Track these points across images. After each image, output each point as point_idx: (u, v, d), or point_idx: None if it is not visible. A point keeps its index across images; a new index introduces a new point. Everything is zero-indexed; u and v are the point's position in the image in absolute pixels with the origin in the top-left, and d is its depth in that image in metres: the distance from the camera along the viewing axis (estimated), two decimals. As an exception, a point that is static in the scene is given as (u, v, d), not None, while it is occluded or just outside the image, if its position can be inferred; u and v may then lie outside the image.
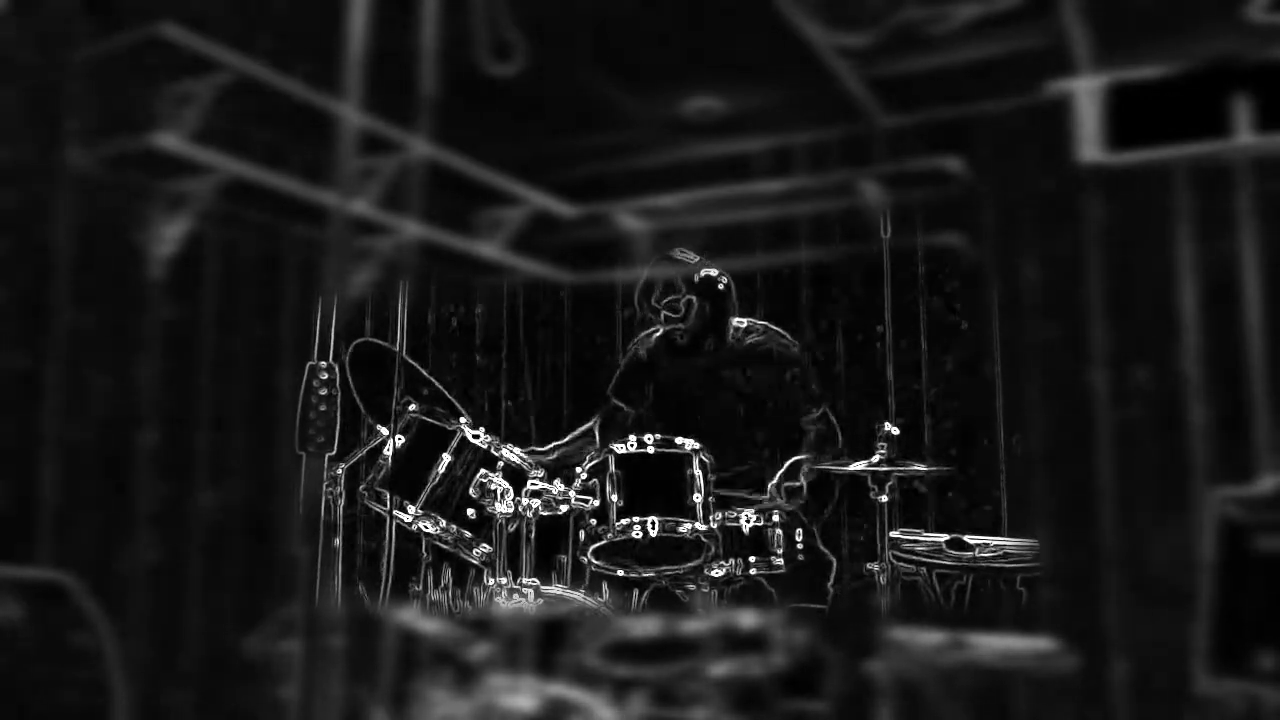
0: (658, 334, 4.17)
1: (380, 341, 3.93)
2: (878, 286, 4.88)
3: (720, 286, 3.97)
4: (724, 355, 4.03)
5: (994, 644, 2.48)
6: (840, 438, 4.04)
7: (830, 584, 3.85)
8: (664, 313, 3.92)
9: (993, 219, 3.61)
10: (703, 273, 3.93)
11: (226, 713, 3.02)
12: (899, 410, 4.75)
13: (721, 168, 4.59)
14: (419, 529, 3.38)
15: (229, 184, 3.38)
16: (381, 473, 3.40)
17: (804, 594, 3.68)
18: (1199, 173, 2.99)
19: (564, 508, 3.29)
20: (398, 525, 3.39)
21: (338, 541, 3.39)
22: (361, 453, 3.53)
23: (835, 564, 3.89)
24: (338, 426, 3.46)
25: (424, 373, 3.94)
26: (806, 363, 4.12)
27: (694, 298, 3.90)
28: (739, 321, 4.07)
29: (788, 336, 4.14)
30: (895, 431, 3.56)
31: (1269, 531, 2.44)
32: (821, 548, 3.90)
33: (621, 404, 4.18)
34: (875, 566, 3.56)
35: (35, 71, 3.01)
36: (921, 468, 3.76)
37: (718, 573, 3.44)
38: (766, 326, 4.14)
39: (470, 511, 3.35)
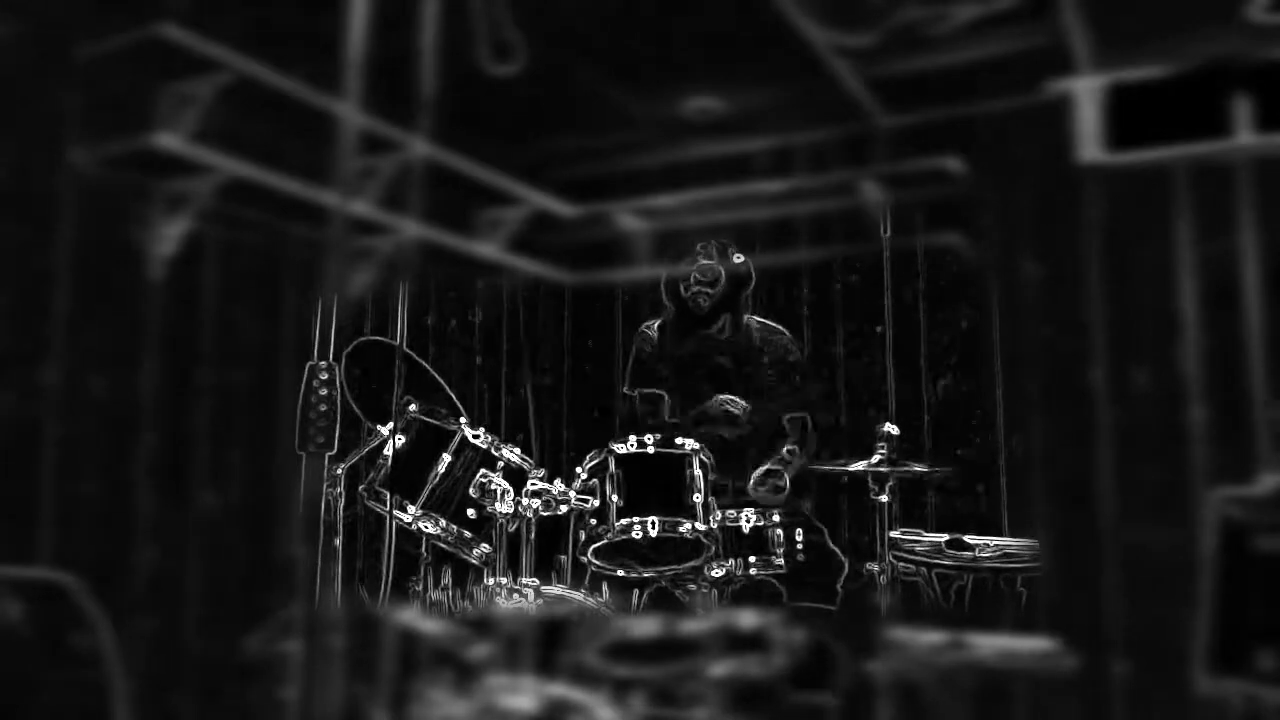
0: (660, 323, 4.27)
1: (381, 338, 3.94)
2: (878, 286, 4.88)
3: (747, 274, 4.17)
4: (737, 340, 4.14)
5: (994, 644, 2.48)
6: (813, 446, 4.11)
7: (840, 585, 3.86)
8: (695, 275, 4.08)
9: (993, 219, 3.61)
10: (735, 257, 4.14)
11: (226, 713, 3.02)
12: (898, 410, 4.75)
13: (721, 168, 4.59)
14: (419, 529, 3.38)
15: (229, 184, 3.38)
16: (381, 473, 3.40)
17: (813, 594, 3.69)
18: (1199, 173, 2.98)
19: (564, 508, 3.30)
20: (398, 525, 3.39)
21: (338, 541, 3.38)
22: (361, 453, 3.53)
23: (846, 565, 3.90)
24: (338, 426, 3.46)
25: (424, 364, 3.94)
26: (804, 366, 4.20)
27: (724, 272, 4.08)
28: (749, 317, 4.21)
29: (788, 335, 4.20)
30: (895, 431, 3.56)
31: (1269, 531, 2.44)
32: (833, 547, 3.92)
33: (647, 390, 4.25)
34: (875, 566, 3.56)
35: (35, 71, 3.01)
36: (921, 468, 3.77)
37: (718, 573, 3.45)
38: (770, 324, 4.23)
39: (470, 511, 3.35)
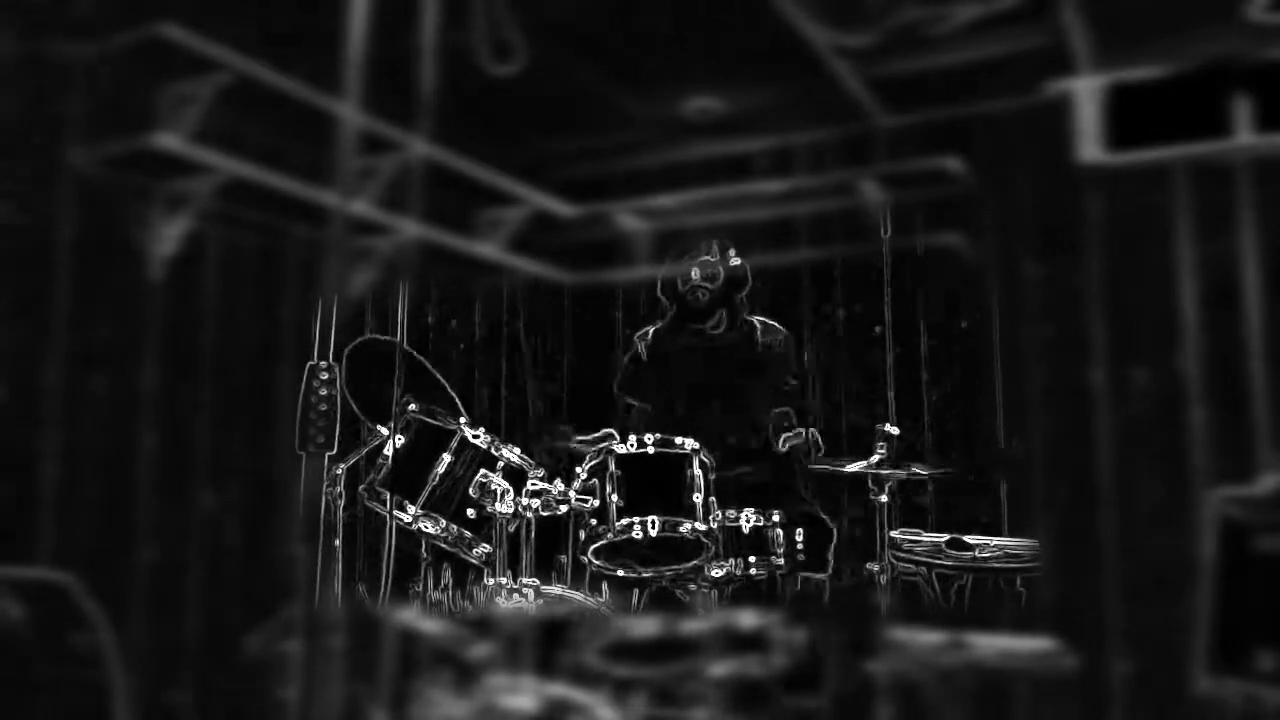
0: (654, 329, 4.30)
1: (381, 336, 3.94)
2: (878, 286, 4.88)
3: (743, 276, 4.20)
4: (733, 336, 4.17)
5: (994, 644, 2.48)
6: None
7: (830, 553, 3.87)
8: (695, 270, 4.11)
9: (993, 219, 3.61)
10: (733, 257, 4.17)
11: (226, 713, 3.02)
12: (898, 410, 4.75)
13: (721, 168, 4.59)
14: (419, 529, 3.37)
15: (229, 184, 3.38)
16: (381, 473, 3.39)
17: (805, 563, 3.71)
18: (1199, 173, 2.98)
19: (564, 508, 3.29)
20: (398, 525, 3.39)
21: (338, 541, 3.39)
22: (361, 453, 3.53)
23: (835, 532, 3.92)
24: (338, 426, 3.47)
25: (427, 364, 3.94)
26: (794, 360, 4.22)
27: (724, 275, 4.12)
28: (749, 316, 4.25)
29: (785, 333, 4.21)
30: (894, 432, 3.57)
31: (1269, 531, 2.44)
32: (821, 515, 3.94)
33: (632, 400, 4.28)
34: (875, 566, 3.56)
35: (36, 71, 3.01)
36: (921, 468, 3.77)
37: (718, 573, 3.45)
38: (770, 322, 4.26)
39: (470, 511, 3.35)
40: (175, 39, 3.09)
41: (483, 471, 3.29)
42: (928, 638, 2.44)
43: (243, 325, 3.65)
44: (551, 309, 5.62)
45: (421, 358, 3.95)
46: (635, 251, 4.90)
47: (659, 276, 4.27)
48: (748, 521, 3.51)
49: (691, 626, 2.28)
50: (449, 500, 3.37)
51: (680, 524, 3.30)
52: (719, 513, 3.40)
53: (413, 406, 3.46)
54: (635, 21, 3.52)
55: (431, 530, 3.37)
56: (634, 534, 3.28)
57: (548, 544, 3.45)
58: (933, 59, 3.58)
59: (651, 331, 4.33)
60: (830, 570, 3.84)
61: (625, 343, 4.60)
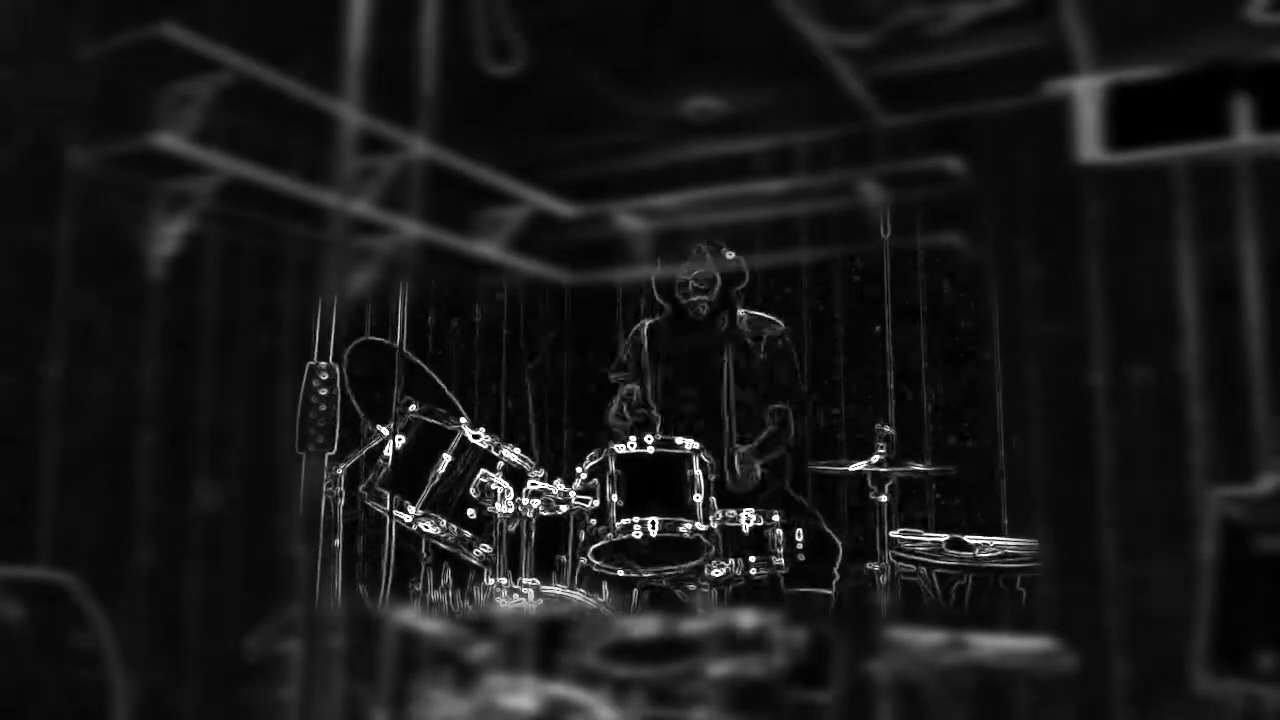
0: (653, 321, 4.32)
1: (380, 339, 3.94)
2: (877, 286, 4.89)
3: (739, 271, 4.21)
4: (731, 333, 4.17)
5: (994, 644, 2.48)
6: (790, 438, 4.12)
7: (835, 569, 3.87)
8: (692, 284, 4.12)
9: (993, 219, 3.61)
10: (727, 255, 4.18)
11: (226, 712, 3.02)
12: (898, 410, 4.76)
13: (721, 168, 4.59)
14: (419, 529, 3.38)
15: (229, 184, 3.38)
16: (381, 473, 3.40)
17: (809, 580, 3.71)
18: (1199, 173, 2.98)
19: (564, 508, 3.30)
20: (398, 525, 3.39)
21: (338, 541, 3.39)
22: (361, 453, 3.53)
23: (841, 549, 3.92)
24: (338, 426, 3.47)
25: (425, 367, 3.95)
26: (792, 356, 4.20)
27: (720, 278, 4.12)
28: (742, 311, 4.26)
29: (782, 325, 4.21)
30: (891, 431, 3.57)
31: (1269, 531, 2.44)
32: (828, 531, 3.94)
33: (621, 379, 4.27)
34: (875, 566, 3.56)
35: (36, 71, 3.01)
36: (921, 468, 3.77)
37: (718, 573, 3.45)
38: (762, 315, 4.28)
39: (470, 511, 3.35)
40: (175, 39, 3.09)
41: (483, 471, 3.29)
42: (928, 638, 2.44)
43: (243, 326, 3.65)
44: (551, 309, 5.62)
45: (418, 360, 3.96)
46: (635, 251, 4.90)
47: (652, 279, 4.28)
48: (748, 521, 3.51)
49: (691, 626, 2.28)
50: (449, 500, 3.37)
51: (680, 524, 3.30)
52: (719, 513, 3.40)
53: (413, 407, 3.46)
54: (635, 21, 3.51)
55: (431, 530, 3.37)
56: (634, 534, 3.28)
57: (548, 544, 3.45)
58: (933, 59, 3.57)
59: (648, 325, 4.33)
60: (835, 586, 3.84)
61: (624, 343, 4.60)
